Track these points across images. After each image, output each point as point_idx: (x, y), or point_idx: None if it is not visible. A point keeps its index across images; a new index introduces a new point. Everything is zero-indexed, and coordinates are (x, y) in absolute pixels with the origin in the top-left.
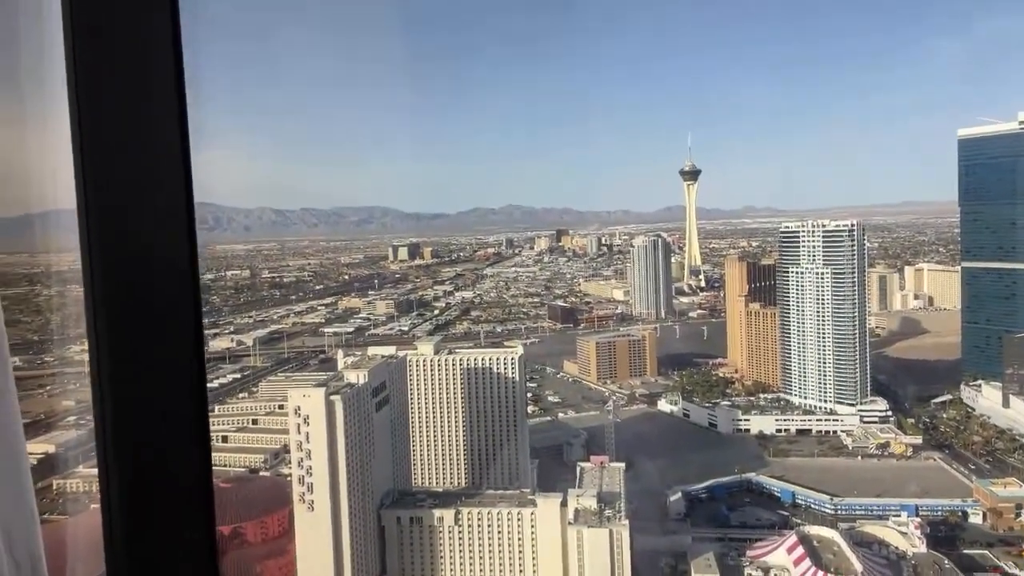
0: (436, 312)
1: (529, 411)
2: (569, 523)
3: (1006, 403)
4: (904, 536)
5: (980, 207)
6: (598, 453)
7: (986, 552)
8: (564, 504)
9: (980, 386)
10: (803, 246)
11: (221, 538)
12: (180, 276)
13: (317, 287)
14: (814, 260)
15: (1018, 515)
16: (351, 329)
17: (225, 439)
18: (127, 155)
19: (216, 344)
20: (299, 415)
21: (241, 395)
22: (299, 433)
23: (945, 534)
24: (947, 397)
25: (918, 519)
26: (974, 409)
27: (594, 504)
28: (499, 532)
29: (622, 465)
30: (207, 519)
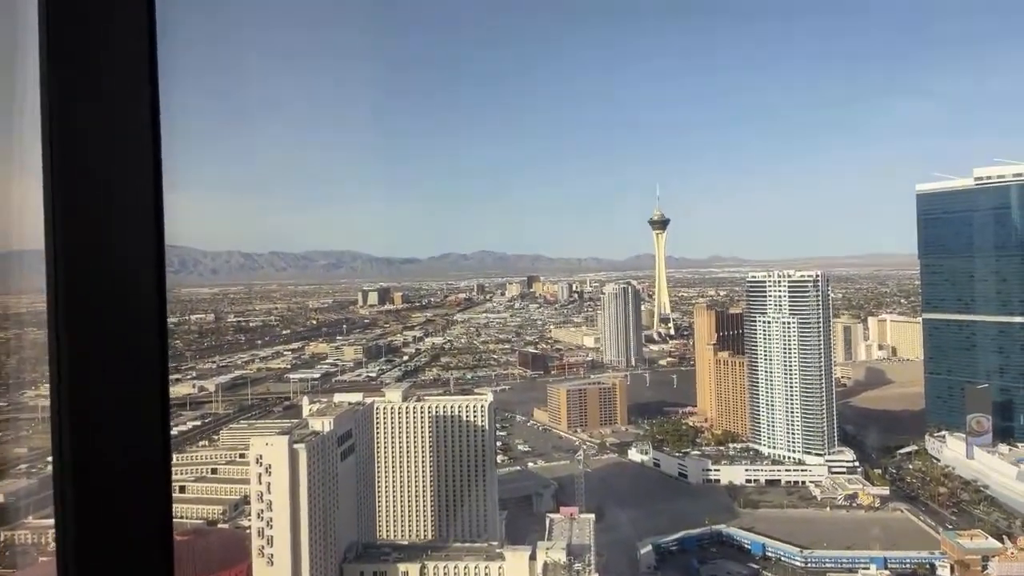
0: (405, 358)
1: (498, 460)
2: None
3: (970, 454)
4: None
5: (939, 260)
6: (568, 503)
7: None
8: (533, 557)
9: (944, 436)
10: (770, 296)
11: None
12: (147, 321)
13: (284, 332)
14: (780, 310)
15: (984, 567)
16: (317, 375)
17: (183, 489)
18: (99, 195)
19: (177, 390)
20: (261, 464)
21: (201, 443)
22: (260, 483)
23: None
24: (912, 448)
25: (887, 572)
26: (939, 460)
27: (563, 557)
28: None
29: (592, 516)
30: (166, 574)
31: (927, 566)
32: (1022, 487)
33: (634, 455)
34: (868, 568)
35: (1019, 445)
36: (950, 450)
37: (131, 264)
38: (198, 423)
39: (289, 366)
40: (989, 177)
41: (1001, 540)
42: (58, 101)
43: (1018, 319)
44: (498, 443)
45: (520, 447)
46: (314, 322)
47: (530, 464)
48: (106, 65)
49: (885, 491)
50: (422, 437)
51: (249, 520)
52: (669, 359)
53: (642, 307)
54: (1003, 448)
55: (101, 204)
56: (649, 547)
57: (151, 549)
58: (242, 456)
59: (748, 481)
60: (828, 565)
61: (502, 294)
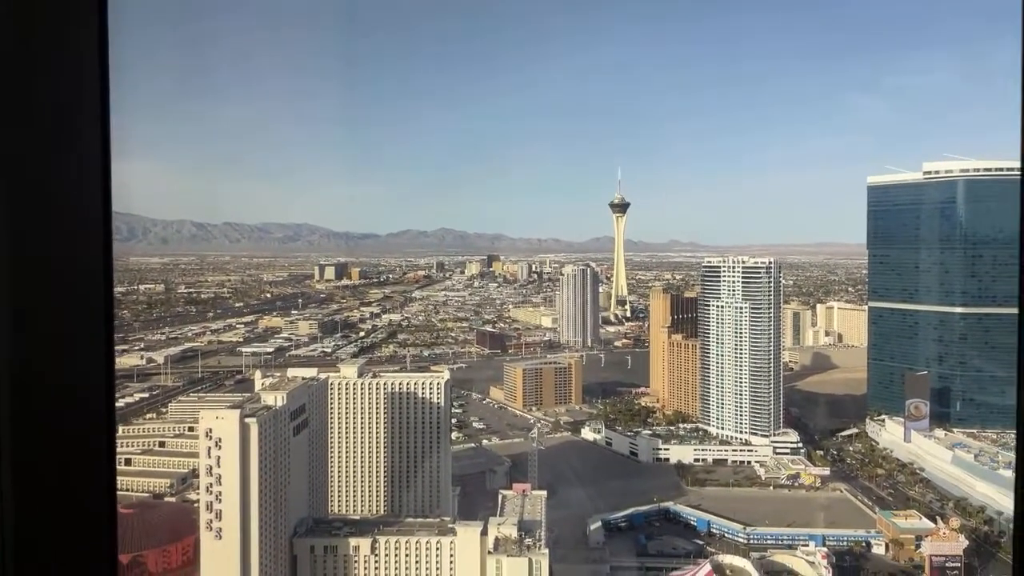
0: (362, 334)
1: (453, 437)
2: (489, 552)
3: (907, 437)
4: (812, 566)
5: (886, 251)
6: (521, 481)
7: None
8: (484, 533)
9: (884, 420)
10: (724, 281)
11: (119, 567)
12: (93, 288)
13: (237, 304)
14: (734, 295)
15: (918, 547)
16: (271, 349)
17: (129, 462)
18: (43, 158)
19: (124, 361)
20: (210, 438)
21: (149, 415)
22: (209, 457)
23: (850, 564)
24: (853, 431)
25: (825, 549)
26: (878, 442)
27: (515, 533)
28: (417, 561)
29: (544, 493)
30: (110, 548)
31: (863, 544)
32: (955, 471)
33: (587, 434)
34: (807, 545)
35: (954, 430)
36: (889, 434)
37: (76, 231)
38: (146, 395)
39: (242, 339)
40: (937, 172)
41: (934, 521)
42: (3, 64)
43: (958, 309)
44: (453, 420)
45: (475, 424)
46: (268, 295)
47: (484, 441)
48: (53, 26)
49: (826, 472)
50: (377, 413)
51: (197, 494)
52: (625, 340)
53: (600, 289)
54: (939, 433)
55: (44, 168)
56: (599, 523)
57: (94, 521)
58: (191, 429)
59: (696, 460)
60: (769, 542)
61: (462, 272)
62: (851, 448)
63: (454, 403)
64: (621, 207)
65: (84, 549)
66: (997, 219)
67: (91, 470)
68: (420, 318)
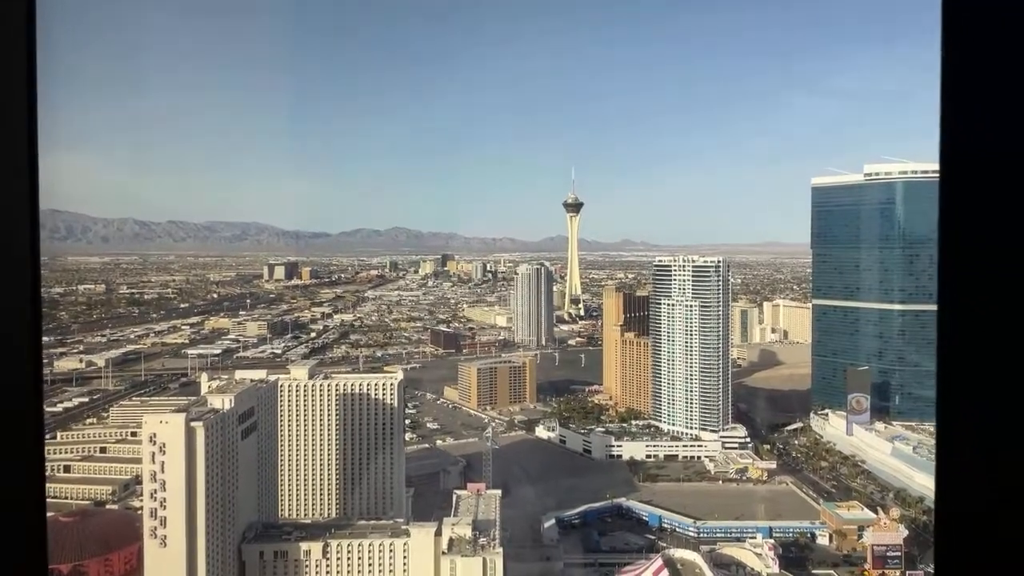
0: (313, 335)
1: (407, 438)
2: (443, 553)
3: (849, 431)
4: (759, 557)
5: (829, 250)
6: (476, 480)
7: (832, 572)
8: (438, 533)
9: (827, 415)
10: (674, 279)
11: None
12: (17, 286)
13: (182, 305)
14: (684, 293)
15: (860, 536)
16: (218, 351)
17: (68, 468)
18: None
19: (62, 364)
20: (154, 443)
21: (88, 421)
22: (154, 463)
23: (796, 555)
24: (798, 425)
25: (772, 541)
26: (822, 436)
27: (469, 532)
28: (370, 564)
29: (498, 492)
30: (40, 558)
31: (808, 535)
32: (895, 462)
33: (541, 432)
34: (755, 537)
35: (894, 423)
36: (832, 427)
37: (1, 225)
38: (85, 400)
39: (187, 341)
40: (877, 173)
41: (875, 511)
42: None
43: (897, 306)
44: (407, 421)
45: (429, 425)
46: (215, 296)
47: (439, 442)
48: None
49: (772, 465)
50: (329, 415)
51: (141, 501)
52: (578, 339)
53: (554, 288)
54: (879, 426)
55: None
56: (552, 521)
57: (23, 531)
58: (134, 435)
59: (648, 456)
60: (719, 535)
61: (415, 272)
62: (796, 442)
63: (408, 403)
64: (575, 207)
65: (11, 558)
66: (934, 219)
67: (15, 474)
68: (373, 318)
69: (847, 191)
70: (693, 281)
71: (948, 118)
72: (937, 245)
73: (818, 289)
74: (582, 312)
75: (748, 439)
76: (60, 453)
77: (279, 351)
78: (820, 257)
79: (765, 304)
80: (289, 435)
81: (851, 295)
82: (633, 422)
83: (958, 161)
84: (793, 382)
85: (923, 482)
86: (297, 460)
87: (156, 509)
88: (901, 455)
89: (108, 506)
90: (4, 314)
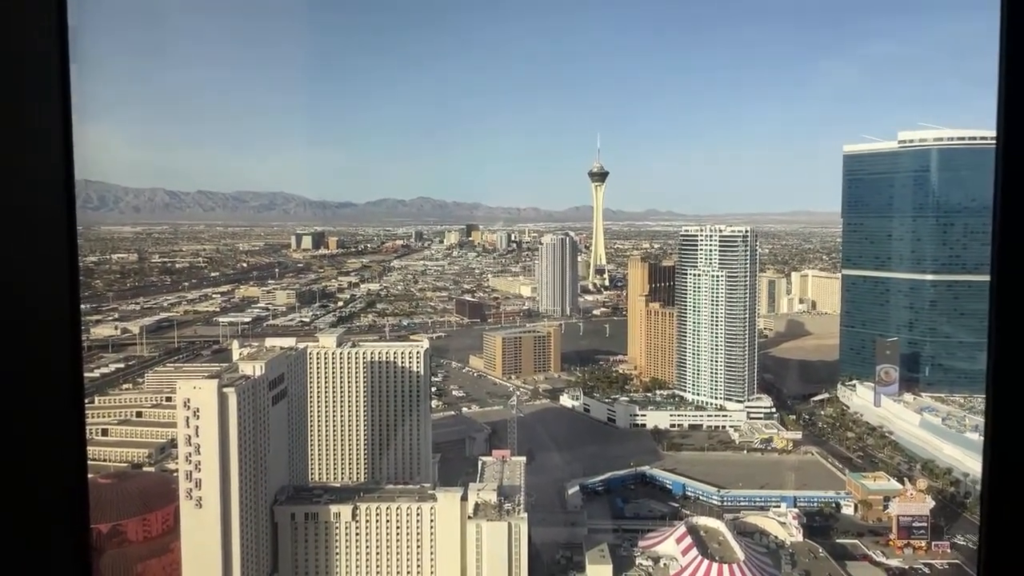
0: (340, 304)
1: (433, 405)
2: (469, 517)
3: (877, 402)
4: (783, 526)
5: (860, 219)
6: (500, 447)
7: (857, 541)
8: (465, 498)
9: (855, 385)
10: (700, 250)
11: (99, 536)
12: (56, 256)
13: (212, 274)
14: (710, 263)
15: (886, 507)
16: (248, 319)
17: (105, 432)
18: (4, 125)
19: (98, 331)
20: (188, 408)
21: (125, 386)
22: (188, 427)
23: (820, 524)
24: (825, 395)
25: (796, 510)
26: (849, 407)
27: (494, 498)
28: (398, 527)
29: (523, 459)
30: (81, 518)
31: (833, 505)
32: (923, 433)
33: (566, 401)
34: (779, 506)
35: (923, 395)
36: (859, 398)
37: (39, 197)
38: (121, 366)
39: (218, 309)
40: (912, 141)
41: (902, 482)
42: None
43: (929, 277)
44: (433, 389)
45: (455, 392)
46: (244, 265)
47: (464, 409)
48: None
49: (798, 435)
50: (357, 382)
51: (176, 463)
52: (603, 309)
53: (579, 258)
54: (908, 397)
55: (2, 132)
56: (577, 487)
57: (65, 492)
58: (168, 400)
59: (672, 426)
60: (742, 503)
61: (440, 242)
62: (823, 412)
63: (434, 372)
64: (600, 176)
65: (55, 518)
66: (969, 188)
67: (59, 438)
68: (399, 288)
69: (880, 159)
70: (720, 251)
71: (1009, 85)
72: (992, 214)
73: (848, 259)
74: (607, 282)
75: (774, 409)
76: (98, 417)
77: (307, 319)
78: (851, 226)
79: (793, 274)
80: (318, 402)
81: (882, 265)
82: (657, 392)
83: (1019, 129)
84: (820, 353)
85: (951, 453)
86: (326, 426)
87: (191, 471)
88: (929, 426)
89: (145, 468)
90: (43, 283)
